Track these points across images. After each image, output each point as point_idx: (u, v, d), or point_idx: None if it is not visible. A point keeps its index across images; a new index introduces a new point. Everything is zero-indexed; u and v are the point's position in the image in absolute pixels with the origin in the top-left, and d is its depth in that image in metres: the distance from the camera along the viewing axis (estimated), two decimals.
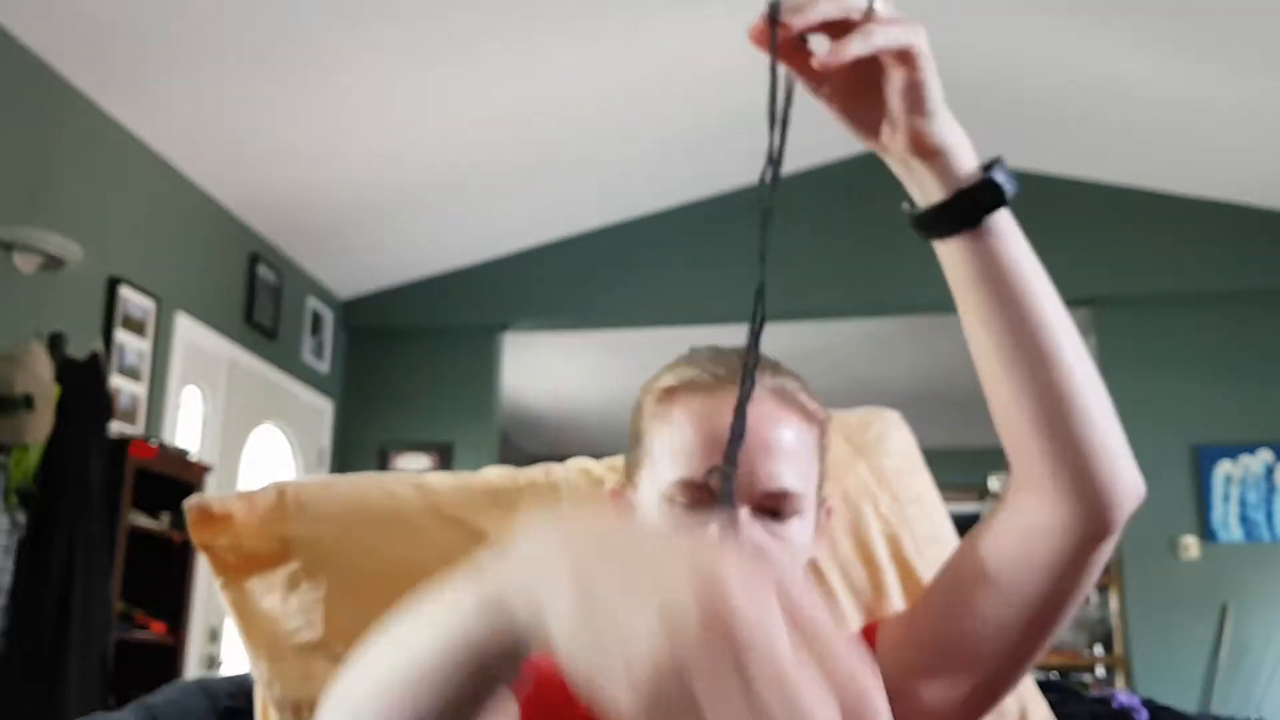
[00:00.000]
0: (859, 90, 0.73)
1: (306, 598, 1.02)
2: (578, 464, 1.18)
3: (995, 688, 0.86)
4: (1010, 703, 1.07)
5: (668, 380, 0.89)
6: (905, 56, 0.69)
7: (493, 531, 1.07)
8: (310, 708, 0.98)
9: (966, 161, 0.73)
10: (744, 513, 0.82)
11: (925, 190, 0.74)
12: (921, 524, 1.13)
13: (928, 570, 1.10)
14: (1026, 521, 0.79)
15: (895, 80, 0.70)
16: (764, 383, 0.86)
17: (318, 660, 1.00)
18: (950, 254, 0.75)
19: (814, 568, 1.08)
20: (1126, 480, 0.78)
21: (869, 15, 0.67)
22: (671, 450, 0.85)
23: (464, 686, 0.50)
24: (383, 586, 1.03)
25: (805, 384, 0.90)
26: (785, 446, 0.85)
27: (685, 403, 0.86)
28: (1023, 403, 0.78)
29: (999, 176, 0.72)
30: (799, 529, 0.85)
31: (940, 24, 5.02)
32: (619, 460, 1.17)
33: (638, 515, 0.90)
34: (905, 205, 0.76)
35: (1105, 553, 0.80)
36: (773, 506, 0.84)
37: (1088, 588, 0.82)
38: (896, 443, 1.19)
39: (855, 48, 0.67)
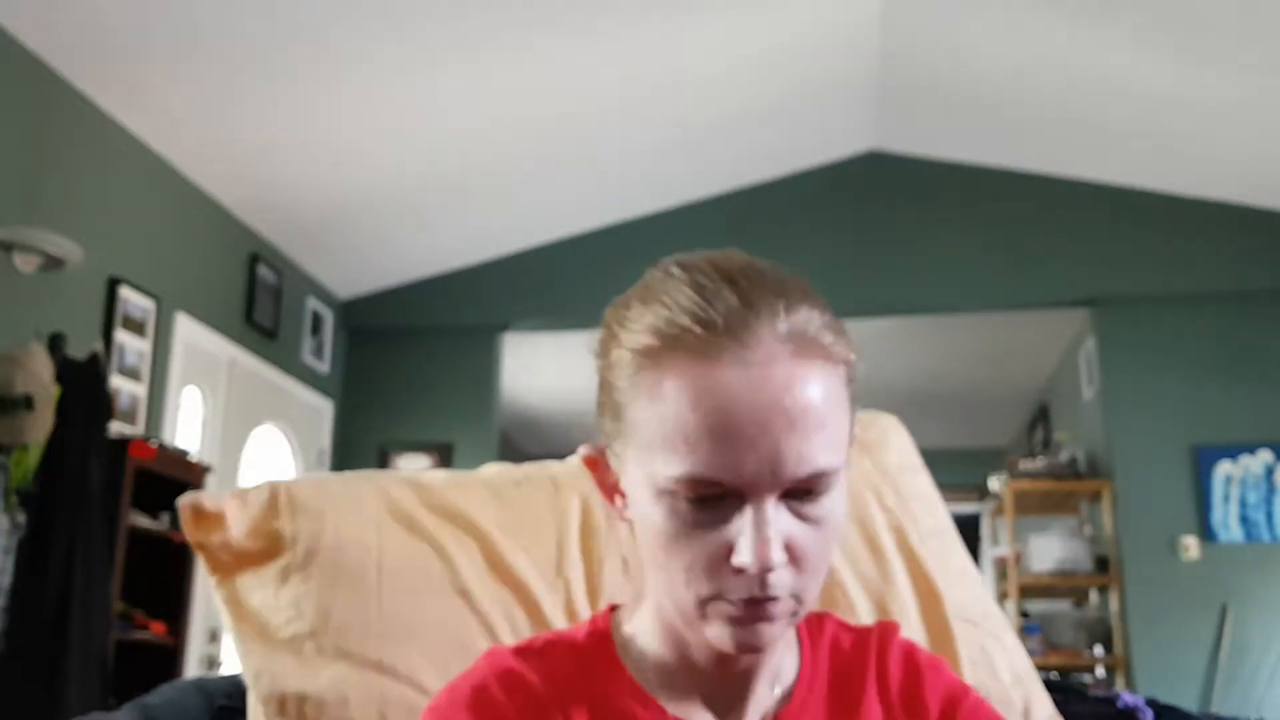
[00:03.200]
0: None
1: (297, 590, 1.01)
2: (577, 459, 1.17)
3: None
4: (1015, 695, 1.07)
5: (646, 338, 0.72)
6: None
7: (488, 523, 1.07)
8: (295, 701, 0.98)
9: None
10: (770, 504, 0.70)
11: None
12: (925, 519, 1.15)
13: (933, 560, 1.11)
14: None
15: None
16: (776, 329, 0.70)
17: (306, 651, 0.99)
18: None
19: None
20: None
21: None
22: (667, 437, 0.70)
23: None
24: (373, 577, 1.02)
25: (824, 309, 0.74)
26: (813, 415, 0.70)
27: (676, 371, 0.70)
28: None
29: None
30: (832, 503, 0.73)
31: (942, 24, 5.02)
32: None
33: (626, 491, 0.78)
34: None
35: None
36: (804, 488, 0.71)
37: None
38: (896, 443, 1.21)
39: None
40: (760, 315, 0.70)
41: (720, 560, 0.71)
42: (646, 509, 0.74)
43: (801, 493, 0.71)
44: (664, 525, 0.72)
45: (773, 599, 0.71)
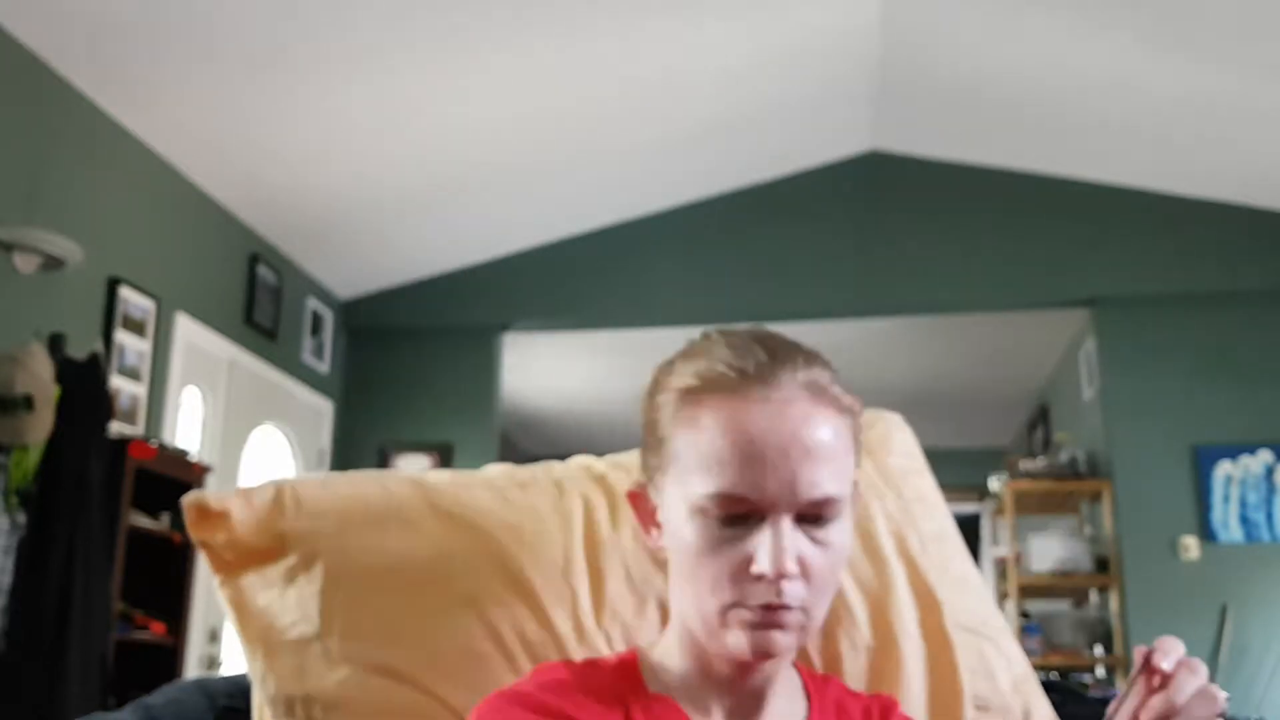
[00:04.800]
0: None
1: (303, 591, 1.02)
2: (579, 461, 1.17)
3: None
4: (1014, 702, 1.07)
5: (688, 379, 0.85)
6: None
7: (493, 526, 1.07)
8: (303, 704, 0.98)
9: None
10: (786, 522, 0.81)
11: None
12: (926, 522, 1.14)
13: (933, 567, 1.11)
14: None
15: None
16: (795, 378, 0.83)
17: (312, 654, 1.00)
18: None
19: None
20: None
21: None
22: (702, 460, 0.83)
23: None
24: (379, 579, 1.03)
25: (835, 373, 0.88)
26: (824, 448, 0.82)
27: (712, 406, 0.83)
28: None
29: None
30: (839, 531, 0.84)
31: (941, 25, 5.01)
32: (621, 457, 1.16)
33: (662, 520, 0.89)
34: None
35: None
36: (815, 514, 0.82)
37: None
38: (899, 444, 1.20)
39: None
40: (783, 366, 0.84)
41: (742, 570, 0.81)
42: (681, 528, 0.85)
43: (813, 518, 0.82)
44: (695, 542, 0.83)
45: (786, 607, 0.81)
